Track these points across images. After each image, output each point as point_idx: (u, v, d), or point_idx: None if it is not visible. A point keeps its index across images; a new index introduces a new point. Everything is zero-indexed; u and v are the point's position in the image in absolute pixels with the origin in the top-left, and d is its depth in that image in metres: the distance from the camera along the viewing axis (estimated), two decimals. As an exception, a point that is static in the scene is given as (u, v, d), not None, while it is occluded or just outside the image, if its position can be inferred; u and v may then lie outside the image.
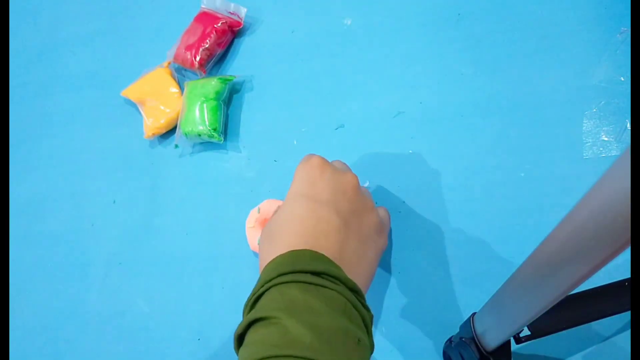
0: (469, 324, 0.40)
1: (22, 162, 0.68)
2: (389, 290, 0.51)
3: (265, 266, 0.36)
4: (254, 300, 0.34)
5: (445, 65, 0.56)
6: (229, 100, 0.62)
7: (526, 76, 0.54)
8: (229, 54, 0.64)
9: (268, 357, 0.29)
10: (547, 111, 0.52)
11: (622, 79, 0.51)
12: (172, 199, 0.60)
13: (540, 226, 0.48)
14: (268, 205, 0.54)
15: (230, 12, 0.63)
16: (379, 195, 0.54)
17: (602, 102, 0.51)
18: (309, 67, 0.61)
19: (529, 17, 0.55)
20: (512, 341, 0.39)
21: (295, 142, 0.58)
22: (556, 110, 0.52)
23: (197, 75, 0.63)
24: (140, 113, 0.63)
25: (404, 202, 0.53)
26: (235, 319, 0.35)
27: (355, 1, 0.62)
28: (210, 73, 0.64)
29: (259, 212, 0.54)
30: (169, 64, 0.64)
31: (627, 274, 0.43)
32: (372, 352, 0.34)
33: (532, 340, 0.38)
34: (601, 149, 0.50)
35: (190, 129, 0.59)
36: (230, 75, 0.61)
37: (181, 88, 0.62)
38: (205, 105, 0.58)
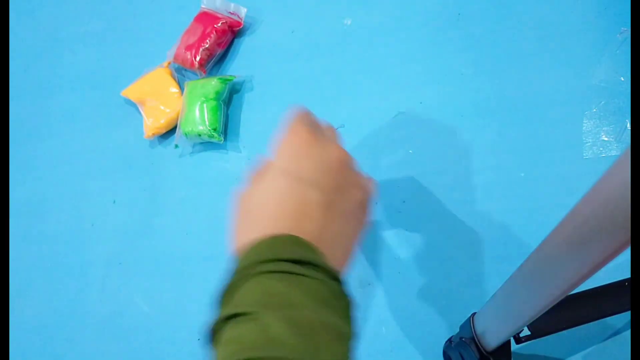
0: (469, 324, 0.40)
1: (22, 162, 0.68)
2: (389, 290, 0.51)
3: (244, 250, 0.34)
4: (231, 289, 0.33)
5: (445, 65, 0.56)
6: (229, 100, 0.62)
7: (526, 76, 0.54)
8: (229, 54, 0.64)
9: None
10: (547, 111, 0.52)
11: (622, 79, 0.51)
12: (172, 199, 0.60)
13: (540, 226, 0.48)
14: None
15: (230, 12, 0.63)
16: (379, 195, 0.54)
17: (602, 102, 0.51)
18: (309, 67, 0.61)
19: (529, 17, 0.55)
20: (512, 341, 0.39)
21: (295, 142, 0.58)
22: (556, 110, 0.52)
23: (197, 75, 0.63)
24: (140, 113, 0.63)
25: (404, 202, 0.53)
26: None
27: (355, 1, 0.62)
28: (210, 73, 0.64)
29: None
30: (169, 64, 0.64)
31: (627, 274, 0.42)
32: (354, 340, 0.33)
33: (532, 340, 0.38)
34: (601, 149, 0.50)
35: (190, 129, 0.59)
36: (230, 75, 0.61)
37: (181, 88, 0.62)
38: (205, 105, 0.58)
